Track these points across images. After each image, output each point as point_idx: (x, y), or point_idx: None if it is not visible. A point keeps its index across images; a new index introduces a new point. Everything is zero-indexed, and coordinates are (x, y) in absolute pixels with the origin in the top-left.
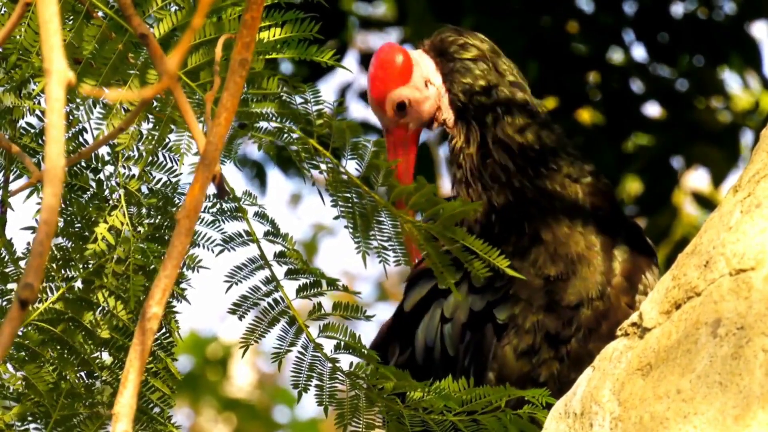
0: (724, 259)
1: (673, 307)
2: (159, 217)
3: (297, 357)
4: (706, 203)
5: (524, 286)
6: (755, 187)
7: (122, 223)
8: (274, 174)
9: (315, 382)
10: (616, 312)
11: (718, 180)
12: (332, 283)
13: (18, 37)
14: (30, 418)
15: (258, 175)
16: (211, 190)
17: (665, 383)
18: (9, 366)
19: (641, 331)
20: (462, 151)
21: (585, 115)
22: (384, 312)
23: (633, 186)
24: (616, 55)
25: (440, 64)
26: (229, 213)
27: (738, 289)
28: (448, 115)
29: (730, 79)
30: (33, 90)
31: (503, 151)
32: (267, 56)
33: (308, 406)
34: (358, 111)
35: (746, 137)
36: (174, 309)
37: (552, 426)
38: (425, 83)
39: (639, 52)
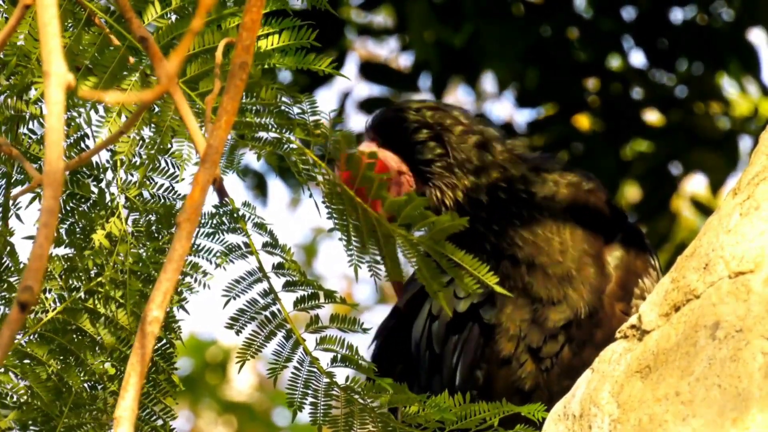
0: (723, 262)
1: (672, 310)
2: (158, 224)
3: (293, 373)
4: (705, 209)
5: (511, 301)
6: (754, 190)
7: (120, 230)
8: (273, 180)
9: (310, 399)
10: (610, 320)
11: (716, 186)
12: (330, 295)
13: (18, 42)
14: (33, 427)
15: (259, 185)
16: (212, 195)
17: (664, 385)
18: (12, 375)
19: (640, 333)
20: (438, 206)
21: (584, 121)
22: (384, 314)
23: (632, 192)
24: (615, 62)
25: (394, 149)
26: (228, 225)
27: (737, 291)
28: (418, 185)
29: (729, 85)
30: (33, 96)
31: (474, 202)
32: (265, 65)
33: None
34: (358, 120)
35: (745, 143)
36: (173, 318)
37: (551, 428)
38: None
39: (638, 58)
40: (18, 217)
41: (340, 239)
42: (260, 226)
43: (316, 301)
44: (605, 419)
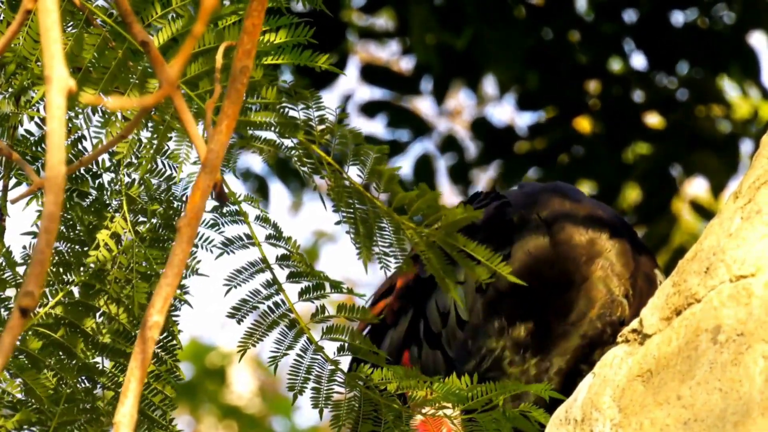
0: (724, 266)
1: (674, 314)
2: (160, 223)
3: (295, 360)
4: (705, 212)
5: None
6: (755, 194)
7: (124, 230)
8: (275, 184)
9: (312, 384)
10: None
11: (717, 189)
12: (336, 285)
13: (17, 45)
14: (31, 426)
15: (260, 188)
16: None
17: (665, 390)
18: (7, 373)
19: (641, 337)
20: None
21: (585, 124)
22: None
23: (632, 194)
24: (616, 64)
25: None
26: (230, 216)
27: (738, 295)
28: None
29: (730, 88)
30: (33, 97)
31: None
32: (261, 62)
33: (307, 415)
34: (359, 123)
35: (745, 146)
36: (176, 314)
37: None
38: None
39: (639, 61)
40: (7, 213)
41: (348, 232)
42: (264, 219)
43: (322, 292)
44: (607, 423)
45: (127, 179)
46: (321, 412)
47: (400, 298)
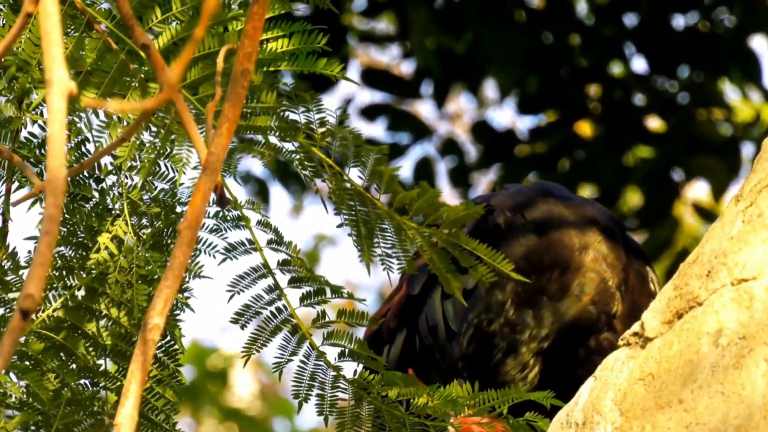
0: (725, 269)
1: (675, 317)
2: (161, 225)
3: (299, 366)
4: (707, 215)
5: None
6: (757, 197)
7: (125, 233)
8: (275, 187)
9: (316, 391)
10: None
11: (718, 192)
12: (337, 290)
13: (18, 48)
14: (33, 427)
15: (260, 192)
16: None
17: (667, 393)
18: (11, 375)
19: (643, 340)
20: None
21: (586, 128)
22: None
23: (634, 198)
24: (616, 68)
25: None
26: (231, 221)
27: (740, 298)
28: None
29: (731, 91)
30: (34, 100)
31: None
32: (275, 68)
33: (308, 417)
34: (359, 126)
35: (747, 149)
36: (177, 317)
37: None
38: None
39: (640, 65)
40: (10, 217)
41: (349, 234)
42: (265, 224)
43: (323, 297)
44: (608, 427)
45: (128, 182)
46: (326, 420)
47: (396, 316)
